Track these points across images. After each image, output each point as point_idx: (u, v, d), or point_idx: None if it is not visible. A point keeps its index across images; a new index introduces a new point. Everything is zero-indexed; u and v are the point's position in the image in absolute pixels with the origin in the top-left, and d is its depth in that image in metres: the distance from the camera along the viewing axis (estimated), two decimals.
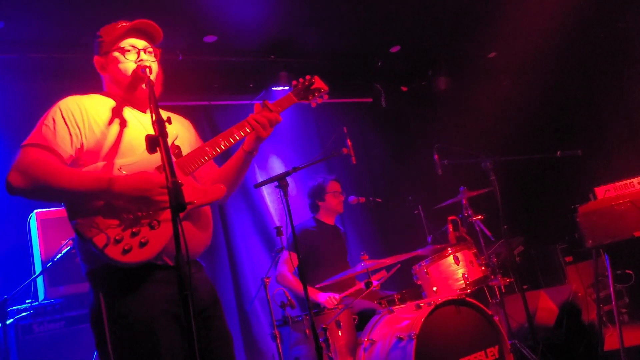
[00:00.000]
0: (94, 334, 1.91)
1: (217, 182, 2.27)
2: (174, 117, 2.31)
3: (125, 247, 1.82)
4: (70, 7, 3.91)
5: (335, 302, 3.90)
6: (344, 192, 4.63)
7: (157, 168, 1.96)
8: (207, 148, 2.09)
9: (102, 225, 1.83)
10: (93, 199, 1.85)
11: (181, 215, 1.92)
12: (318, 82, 2.50)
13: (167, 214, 1.90)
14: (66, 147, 1.93)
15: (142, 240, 1.85)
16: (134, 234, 1.85)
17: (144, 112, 2.16)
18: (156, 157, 1.92)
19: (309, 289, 4.04)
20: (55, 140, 1.92)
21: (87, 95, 2.09)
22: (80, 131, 1.96)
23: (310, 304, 3.06)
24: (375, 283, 4.17)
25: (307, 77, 2.48)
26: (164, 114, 2.16)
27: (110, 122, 2.03)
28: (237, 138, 2.15)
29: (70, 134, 1.94)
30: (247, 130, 2.17)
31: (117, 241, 1.82)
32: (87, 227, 1.82)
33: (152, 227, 1.89)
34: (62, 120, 1.95)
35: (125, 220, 1.86)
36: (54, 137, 1.92)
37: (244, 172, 2.31)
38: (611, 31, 6.00)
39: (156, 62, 2.15)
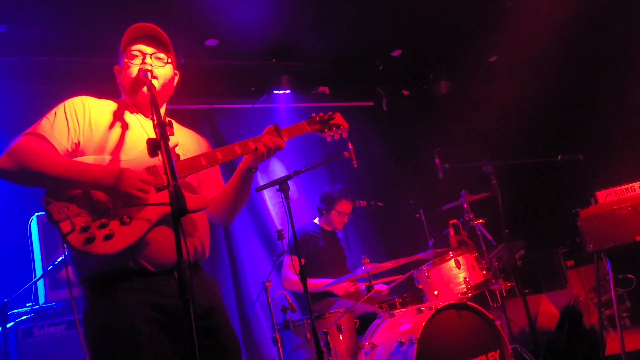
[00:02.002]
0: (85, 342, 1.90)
1: (219, 201, 2.25)
2: (186, 131, 2.32)
3: (89, 237, 1.78)
4: (73, 11, 3.93)
5: (347, 290, 4.02)
6: (353, 213, 4.57)
7: (147, 169, 1.94)
8: (202, 159, 2.05)
9: (72, 211, 1.81)
10: (72, 186, 1.85)
11: (158, 218, 1.90)
12: (338, 119, 2.51)
13: (143, 213, 1.88)
14: (62, 140, 1.95)
15: (108, 233, 1.80)
16: (102, 225, 1.81)
17: (148, 116, 2.16)
18: (149, 158, 1.93)
19: (322, 281, 4.09)
20: (52, 132, 1.94)
21: (99, 99, 2.12)
22: (79, 126, 1.98)
23: (312, 307, 3.05)
24: (382, 288, 4.18)
25: (329, 112, 2.50)
26: (183, 133, 2.20)
27: (112, 125, 2.04)
28: (237, 154, 2.12)
29: (69, 127, 1.97)
30: (251, 149, 2.14)
31: (83, 229, 1.78)
32: (57, 210, 1.80)
33: (122, 223, 1.84)
34: (63, 114, 1.98)
35: (96, 210, 1.84)
36: (51, 128, 1.95)
37: (244, 191, 2.25)
38: (612, 35, 6.01)
39: (165, 68, 2.15)
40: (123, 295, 1.87)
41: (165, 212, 1.90)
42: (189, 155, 2.13)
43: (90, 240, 1.78)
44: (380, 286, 4.27)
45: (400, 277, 4.20)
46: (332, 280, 4.04)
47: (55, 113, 1.99)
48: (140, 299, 1.88)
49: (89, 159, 1.95)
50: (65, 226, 1.79)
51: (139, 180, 1.86)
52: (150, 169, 1.93)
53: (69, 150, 1.97)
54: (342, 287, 4.10)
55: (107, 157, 1.96)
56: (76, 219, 1.80)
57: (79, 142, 1.98)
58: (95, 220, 1.82)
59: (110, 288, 1.88)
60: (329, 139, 2.52)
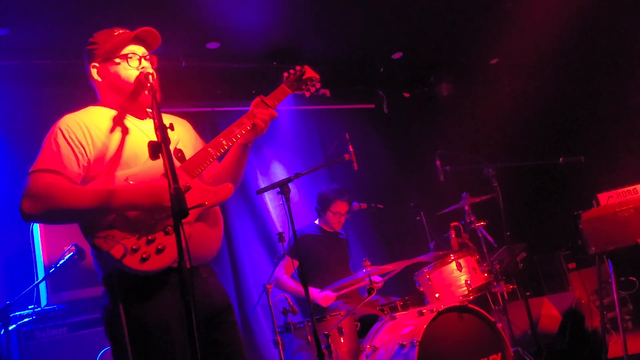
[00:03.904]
0: (109, 337, 1.92)
1: (218, 178, 2.28)
2: (174, 119, 2.32)
3: (144, 256, 1.84)
4: (75, 14, 3.93)
5: (330, 301, 3.93)
6: (349, 212, 4.56)
7: (164, 175, 1.95)
8: (210, 149, 2.11)
9: (117, 237, 1.85)
10: (107, 213, 1.87)
11: (194, 217, 1.96)
12: (309, 72, 2.51)
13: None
14: (73, 168, 1.93)
15: (159, 247, 1.87)
16: (149, 242, 1.87)
17: (143, 119, 2.17)
18: (161, 164, 1.93)
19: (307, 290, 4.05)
20: (62, 163, 1.92)
21: (83, 110, 2.09)
22: (84, 149, 1.96)
23: (312, 307, 3.05)
24: (377, 280, 4.14)
25: (298, 67, 2.49)
26: (166, 119, 2.14)
27: (112, 131, 2.03)
28: (239, 136, 2.18)
29: (75, 154, 1.94)
30: (248, 127, 2.21)
31: (134, 250, 1.84)
32: (103, 241, 1.84)
33: (166, 233, 1.91)
34: (65, 141, 1.95)
35: (139, 229, 1.88)
36: (59, 159, 1.92)
37: (243, 164, 2.33)
38: (612, 37, 6.01)
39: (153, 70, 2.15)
40: (160, 291, 1.91)
41: (197, 211, 1.98)
42: (188, 145, 2.17)
43: (145, 259, 1.84)
44: (375, 278, 4.24)
45: (395, 269, 4.17)
46: (314, 289, 4.04)
47: (56, 142, 1.94)
48: (175, 294, 1.88)
49: (102, 180, 1.94)
50: (117, 251, 1.83)
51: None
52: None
53: (82, 174, 1.96)
54: (322, 298, 4.03)
55: (123, 173, 1.95)
56: (124, 241, 1.85)
57: (89, 163, 1.96)
58: (140, 238, 1.87)
59: (146, 284, 1.90)
60: (307, 94, 2.54)
